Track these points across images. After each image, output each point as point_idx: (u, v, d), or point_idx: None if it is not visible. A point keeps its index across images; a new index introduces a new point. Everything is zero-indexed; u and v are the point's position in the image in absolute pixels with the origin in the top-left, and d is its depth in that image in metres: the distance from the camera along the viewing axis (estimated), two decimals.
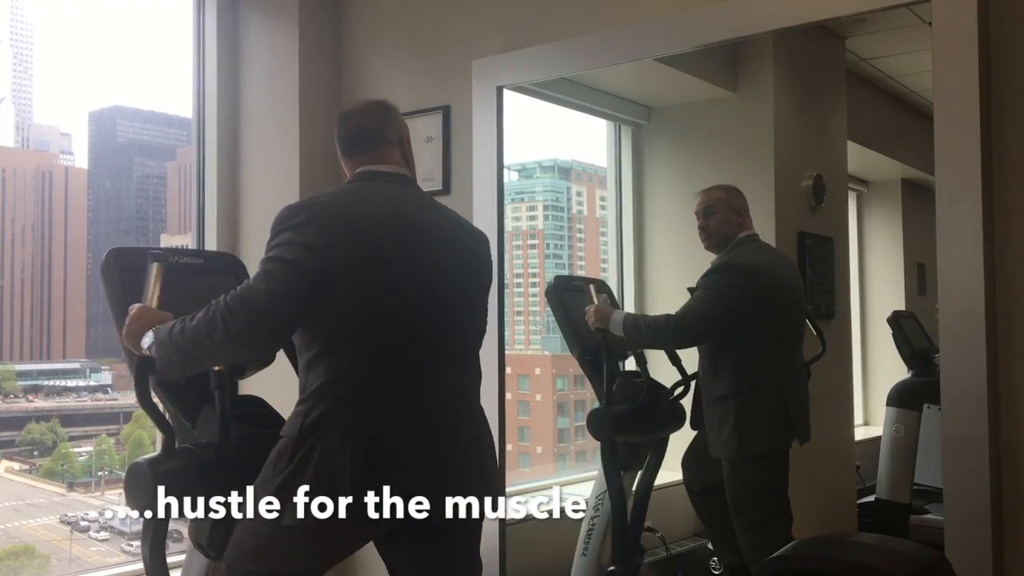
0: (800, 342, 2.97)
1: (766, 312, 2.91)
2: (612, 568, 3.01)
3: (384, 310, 1.93)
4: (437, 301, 2.00)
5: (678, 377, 3.08)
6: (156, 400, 2.12)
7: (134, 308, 2.03)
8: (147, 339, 1.97)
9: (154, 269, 2.08)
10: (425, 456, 1.93)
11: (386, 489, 1.87)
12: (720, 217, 3.00)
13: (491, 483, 2.08)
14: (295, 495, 1.86)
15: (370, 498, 1.85)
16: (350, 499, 1.84)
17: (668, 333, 2.95)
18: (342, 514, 1.84)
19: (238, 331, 1.85)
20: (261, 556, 1.93)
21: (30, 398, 7.80)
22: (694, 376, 3.06)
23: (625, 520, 2.99)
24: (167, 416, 2.19)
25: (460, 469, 1.99)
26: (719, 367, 2.95)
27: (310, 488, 1.85)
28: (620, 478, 2.99)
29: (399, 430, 1.91)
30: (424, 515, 1.94)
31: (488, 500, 2.04)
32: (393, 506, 1.89)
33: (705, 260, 3.02)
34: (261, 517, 1.89)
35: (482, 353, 2.97)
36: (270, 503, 1.88)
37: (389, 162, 2.12)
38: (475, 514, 2.02)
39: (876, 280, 3.27)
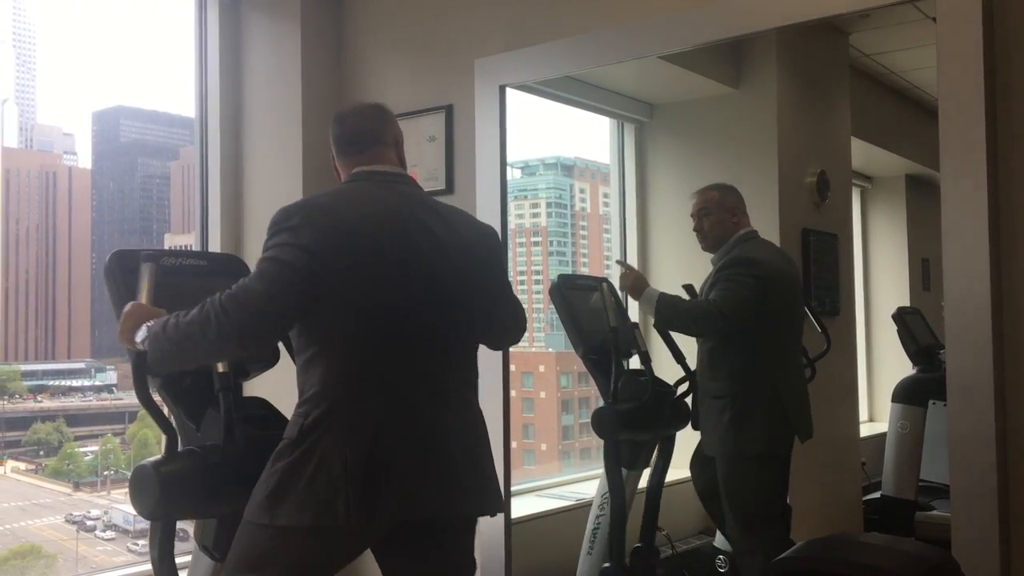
0: (800, 340, 2.96)
1: (773, 309, 2.91)
2: (607, 565, 3.00)
3: (380, 310, 1.94)
4: (434, 300, 2.00)
5: (680, 375, 3.07)
6: (157, 399, 2.13)
7: (129, 305, 2.05)
8: (141, 333, 1.98)
9: (146, 269, 2.10)
10: (422, 459, 1.93)
11: (384, 492, 1.88)
12: (715, 218, 3.01)
13: (487, 485, 2.07)
14: (292, 496, 1.86)
15: (368, 500, 1.85)
16: (348, 501, 1.83)
17: (711, 317, 2.92)
18: (341, 516, 1.83)
19: (231, 330, 1.85)
20: (261, 562, 1.92)
21: (38, 398, 7.82)
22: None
23: (624, 518, 2.98)
24: (171, 417, 2.20)
25: (457, 472, 1.98)
26: (718, 365, 2.96)
27: (308, 489, 1.85)
28: (621, 477, 2.99)
29: (397, 432, 1.91)
30: (421, 518, 1.95)
31: (485, 502, 2.05)
32: (391, 509, 1.89)
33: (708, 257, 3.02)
34: (260, 519, 1.90)
35: (484, 350, 2.99)
36: (268, 503, 1.88)
37: (386, 163, 2.13)
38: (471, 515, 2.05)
39: (880, 276, 3.26)
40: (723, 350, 2.96)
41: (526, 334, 3.29)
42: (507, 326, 2.26)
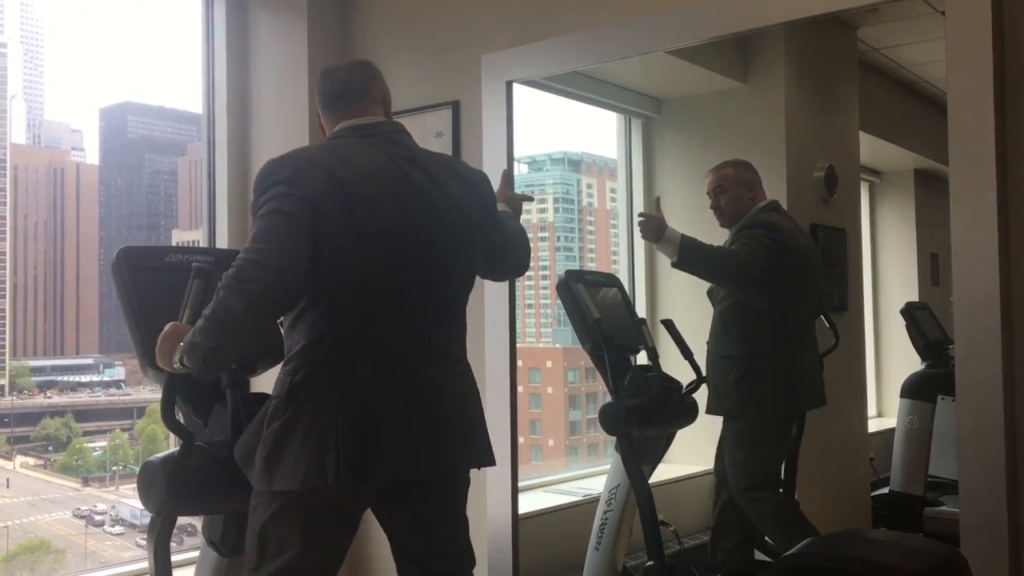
0: (814, 314, 2.96)
1: (788, 274, 2.91)
2: (650, 563, 2.98)
3: (367, 265, 1.92)
4: (421, 257, 1.98)
5: (689, 373, 3.07)
6: (157, 391, 2.13)
7: (167, 327, 1.97)
8: (177, 353, 1.91)
9: (194, 287, 2.01)
10: (411, 418, 1.93)
11: (374, 453, 1.87)
12: (731, 195, 3.01)
13: (476, 439, 2.07)
14: (287, 458, 1.85)
15: (358, 461, 1.85)
16: (338, 463, 1.83)
17: (731, 263, 2.93)
18: (330, 478, 1.83)
19: (256, 297, 1.80)
20: (269, 528, 1.91)
21: (47, 394, 7.85)
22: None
23: (655, 513, 2.97)
24: (180, 416, 2.20)
25: (446, 429, 1.98)
26: (730, 325, 2.96)
27: (301, 452, 1.85)
28: (642, 471, 2.98)
29: (385, 392, 1.91)
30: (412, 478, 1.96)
31: (475, 456, 2.06)
32: (381, 470, 1.89)
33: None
34: (260, 485, 1.89)
35: (492, 346, 2.98)
36: (265, 467, 1.87)
37: (372, 116, 2.09)
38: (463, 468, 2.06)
39: (889, 271, 3.25)
40: (737, 311, 2.97)
41: (533, 329, 3.27)
42: (509, 263, 2.29)
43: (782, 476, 2.95)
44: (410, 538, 2.06)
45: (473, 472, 2.12)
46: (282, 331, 2.02)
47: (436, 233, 2.00)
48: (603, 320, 2.99)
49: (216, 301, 1.83)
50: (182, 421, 2.17)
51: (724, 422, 2.96)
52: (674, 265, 2.98)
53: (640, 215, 3.09)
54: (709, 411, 3.01)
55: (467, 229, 2.07)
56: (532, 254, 3.58)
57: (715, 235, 3.04)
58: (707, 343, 3.03)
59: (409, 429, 1.93)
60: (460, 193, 2.07)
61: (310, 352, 1.90)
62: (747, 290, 2.96)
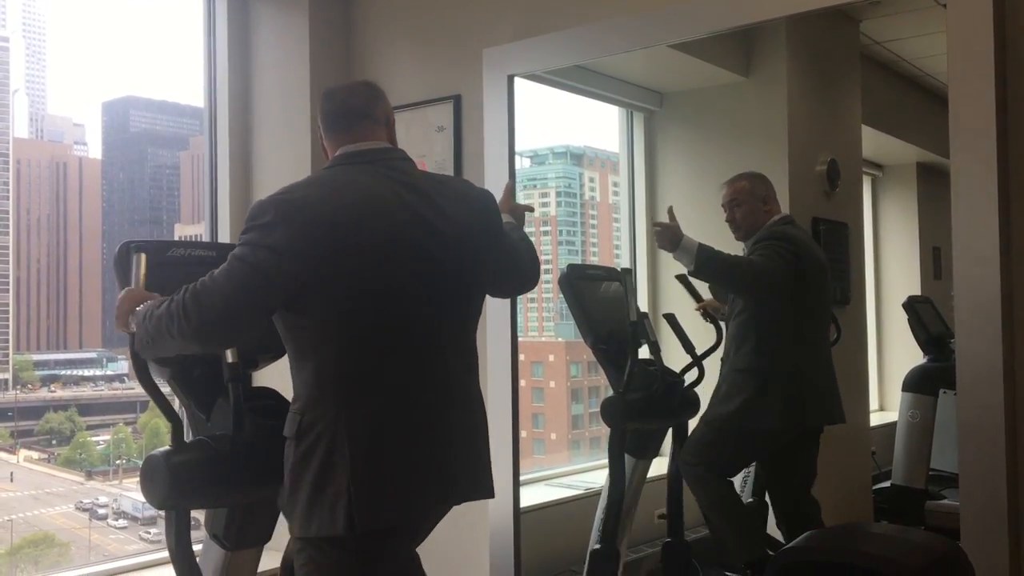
0: (827, 329, 2.96)
1: (807, 290, 2.91)
2: (597, 547, 2.98)
3: (368, 305, 1.89)
4: (425, 289, 1.94)
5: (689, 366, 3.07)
6: (167, 391, 2.14)
7: (123, 292, 2.05)
8: (134, 317, 1.99)
9: (138, 259, 2.09)
10: (424, 462, 1.91)
11: (386, 499, 1.86)
12: (746, 208, 2.99)
13: (480, 472, 2.06)
14: (299, 504, 1.87)
15: (370, 510, 1.84)
16: (348, 510, 1.82)
17: (751, 272, 2.92)
18: (341, 528, 1.82)
19: (190, 331, 1.84)
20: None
21: (50, 388, 7.85)
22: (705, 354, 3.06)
23: (621, 506, 2.98)
24: (181, 407, 2.21)
25: (456, 467, 1.97)
26: (747, 339, 2.95)
27: (314, 497, 1.85)
28: (623, 464, 2.99)
29: (397, 435, 1.89)
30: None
31: (477, 488, 2.05)
32: (392, 516, 1.88)
33: (721, 244, 3.01)
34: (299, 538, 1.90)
35: (494, 341, 2.98)
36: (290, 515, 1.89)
37: (375, 140, 2.05)
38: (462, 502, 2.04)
39: (891, 265, 3.24)
40: (754, 324, 2.95)
41: (536, 323, 3.27)
42: (514, 281, 2.26)
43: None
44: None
45: None
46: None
47: (440, 260, 1.96)
48: (607, 314, 3.01)
49: (168, 311, 1.87)
50: (182, 413, 2.17)
51: (715, 420, 2.96)
52: (691, 274, 2.96)
53: (655, 224, 3.07)
54: (705, 416, 3.01)
55: (472, 253, 2.04)
56: (535, 248, 3.59)
57: (718, 229, 3.04)
58: (721, 359, 3.02)
59: (419, 469, 1.91)
60: (463, 216, 2.03)
61: (317, 392, 1.88)
62: (764, 301, 2.95)
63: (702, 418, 3.02)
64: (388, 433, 1.87)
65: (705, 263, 2.90)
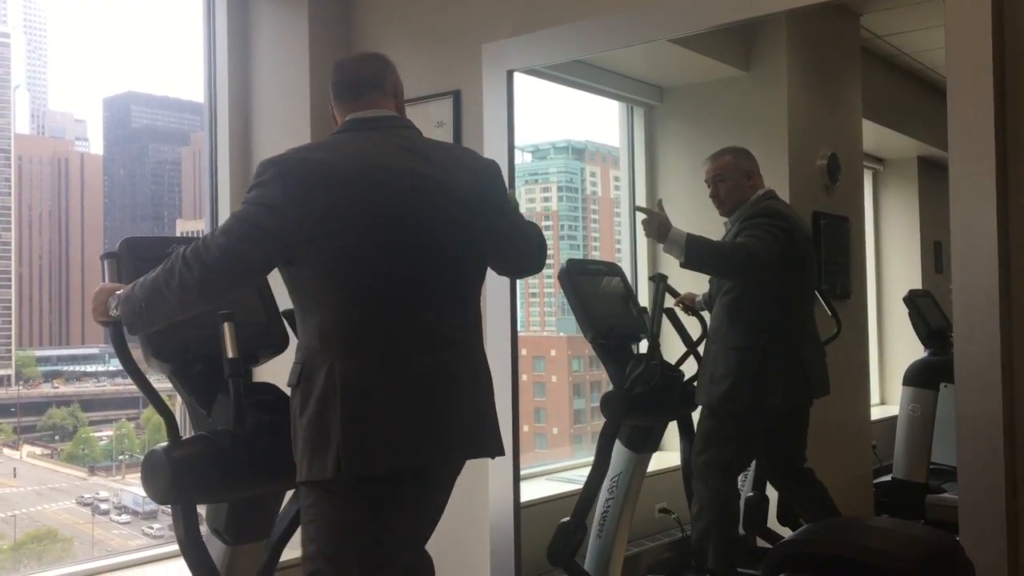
0: (813, 297, 2.97)
1: (796, 265, 2.91)
2: (565, 519, 2.96)
3: (371, 257, 1.93)
4: (428, 246, 1.98)
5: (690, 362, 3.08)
6: (162, 387, 2.15)
7: (97, 288, 2.09)
8: (111, 303, 2.02)
9: (109, 265, 2.15)
10: (418, 409, 1.94)
11: (380, 445, 1.88)
12: (730, 183, 3.00)
13: (486, 428, 2.07)
14: (299, 449, 1.91)
15: (361, 454, 1.86)
16: (337, 454, 1.85)
17: (740, 257, 2.91)
18: (330, 470, 1.85)
19: (192, 282, 1.88)
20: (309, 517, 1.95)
21: (53, 384, 7.87)
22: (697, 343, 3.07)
23: (595, 494, 2.99)
24: (184, 404, 2.21)
25: (456, 418, 1.99)
26: (740, 317, 2.95)
27: (307, 442, 1.90)
28: (609, 457, 3.00)
29: (392, 385, 1.92)
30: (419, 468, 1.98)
31: (484, 445, 2.06)
32: (387, 461, 1.90)
33: (720, 236, 3.01)
34: (316, 488, 1.92)
35: (494, 336, 2.98)
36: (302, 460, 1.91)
37: (382, 109, 2.09)
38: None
39: (892, 259, 3.25)
40: (747, 301, 2.95)
41: (537, 318, 3.27)
42: (522, 255, 2.23)
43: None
44: (400, 530, 2.04)
45: (477, 460, 2.12)
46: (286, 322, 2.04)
47: (441, 222, 2.00)
48: (607, 310, 3.01)
49: (166, 269, 1.92)
50: (184, 411, 2.18)
51: (718, 403, 2.95)
52: (682, 265, 2.94)
53: (639, 209, 3.07)
54: (700, 400, 3.00)
55: (474, 218, 2.06)
56: None
57: (718, 223, 3.04)
58: (707, 339, 3.03)
59: (414, 419, 1.93)
60: (467, 181, 2.07)
61: (316, 344, 1.92)
62: (756, 279, 2.94)
63: (702, 404, 3.02)
64: (380, 384, 1.91)
65: (695, 253, 2.87)
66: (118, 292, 2.02)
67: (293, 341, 2.16)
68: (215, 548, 2.23)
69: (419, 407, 1.94)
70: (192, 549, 2.11)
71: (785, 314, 2.94)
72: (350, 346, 1.91)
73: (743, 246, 2.88)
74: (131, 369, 2.09)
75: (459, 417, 2.00)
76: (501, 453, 2.10)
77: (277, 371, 2.36)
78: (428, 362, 1.96)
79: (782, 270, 2.88)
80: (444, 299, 2.02)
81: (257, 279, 1.98)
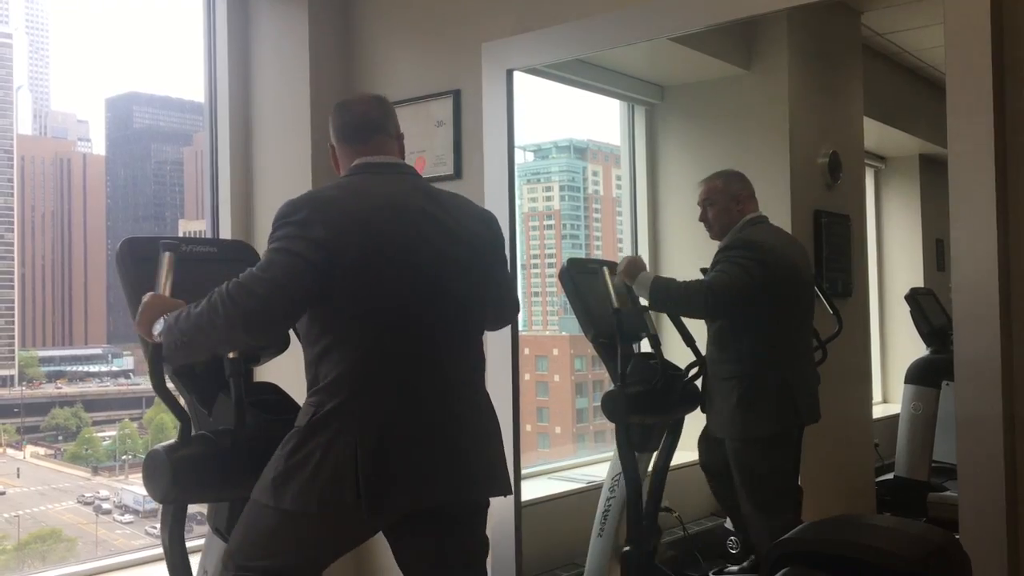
0: (809, 324, 2.96)
1: (779, 292, 2.90)
2: (627, 548, 3.02)
3: (392, 302, 1.95)
4: (442, 290, 2.01)
5: (691, 359, 3.07)
6: (171, 387, 2.14)
7: (147, 296, 2.06)
8: (158, 326, 2.00)
9: (166, 259, 2.10)
10: (431, 450, 1.95)
11: (393, 483, 1.89)
12: (719, 207, 2.99)
13: (495, 469, 2.09)
14: (297, 482, 1.88)
15: (377, 491, 1.87)
16: (358, 492, 1.85)
17: (700, 298, 2.90)
18: (349, 504, 1.85)
19: (237, 318, 1.86)
20: (264, 539, 1.95)
21: (57, 384, 7.90)
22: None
23: (640, 501, 2.99)
24: (183, 403, 2.21)
25: (465, 460, 2.01)
26: (726, 347, 2.95)
27: (314, 478, 1.87)
28: (635, 459, 2.99)
29: (406, 425, 1.93)
30: (430, 507, 1.98)
31: (492, 486, 2.08)
32: (399, 500, 1.91)
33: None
34: (266, 500, 1.92)
35: (495, 334, 2.99)
36: (274, 486, 1.91)
37: (388, 154, 2.13)
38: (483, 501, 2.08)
39: (894, 257, 3.24)
40: (731, 332, 2.95)
41: (540, 317, 3.27)
42: (507, 308, 2.30)
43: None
44: (419, 570, 2.07)
45: None
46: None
47: (454, 267, 2.04)
48: (607, 309, 3.00)
49: (209, 304, 1.89)
50: (185, 410, 2.18)
51: (730, 443, 2.95)
52: (649, 308, 3.00)
53: (625, 259, 3.06)
54: (712, 432, 3.00)
55: (482, 264, 2.12)
56: (539, 242, 3.60)
57: None
58: (706, 361, 3.02)
59: (428, 457, 1.95)
60: (477, 230, 2.12)
61: (337, 387, 1.92)
62: (725, 316, 2.94)
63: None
64: (397, 420, 1.92)
65: (658, 295, 2.93)
66: (165, 317, 1.98)
67: (294, 342, 2.17)
68: (216, 547, 2.24)
69: (432, 446, 1.95)
70: (172, 550, 2.12)
71: (770, 342, 2.93)
72: (368, 384, 1.92)
73: (706, 286, 2.89)
74: (160, 389, 2.08)
75: (468, 457, 2.02)
76: (509, 492, 2.12)
77: (278, 371, 2.37)
78: (439, 402, 1.98)
79: (762, 298, 2.88)
80: (456, 340, 2.05)
81: (299, 313, 1.94)
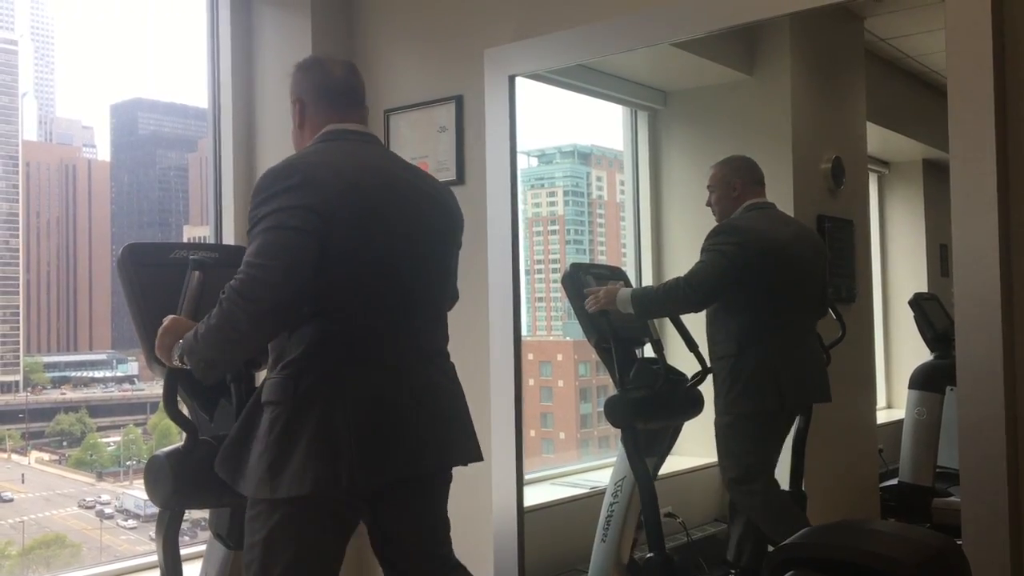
0: (805, 307, 2.97)
1: (762, 274, 2.92)
2: (650, 555, 2.99)
3: (378, 267, 1.92)
4: (422, 257, 2.02)
5: (694, 365, 3.07)
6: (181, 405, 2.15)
7: (167, 320, 2.00)
8: (177, 350, 1.94)
9: (194, 279, 2.06)
10: (417, 417, 1.94)
11: (386, 452, 1.89)
12: (718, 194, 3.05)
13: (468, 436, 2.11)
14: (292, 465, 1.83)
15: (371, 462, 1.86)
16: (351, 465, 1.83)
17: (679, 293, 2.95)
18: (344, 480, 1.83)
19: (263, 315, 1.80)
20: (272, 536, 1.89)
21: (61, 390, 7.91)
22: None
23: (657, 505, 2.97)
24: (188, 409, 2.22)
25: (446, 427, 2.02)
26: (719, 328, 2.98)
27: (308, 456, 1.83)
28: (646, 465, 2.98)
29: (393, 394, 1.92)
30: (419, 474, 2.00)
31: (468, 451, 2.10)
32: (393, 468, 1.91)
33: None
34: (262, 494, 1.87)
35: (496, 338, 2.99)
36: (269, 476, 1.85)
37: (362, 123, 2.12)
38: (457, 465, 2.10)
39: (898, 262, 3.24)
40: (722, 312, 2.98)
41: (544, 322, 3.28)
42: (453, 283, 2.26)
43: (775, 469, 2.96)
44: (399, 537, 2.06)
45: (478, 465, 2.15)
46: None
47: (436, 239, 2.06)
48: (610, 314, 3.01)
49: (221, 314, 1.82)
50: (187, 415, 2.18)
51: (716, 416, 2.98)
52: (638, 319, 3.04)
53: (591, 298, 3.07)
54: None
55: (452, 238, 2.15)
56: (543, 247, 3.60)
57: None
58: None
59: (415, 425, 1.94)
60: (452, 206, 2.16)
61: (315, 356, 1.88)
62: (712, 302, 2.98)
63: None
64: (385, 391, 1.91)
65: (642, 305, 3.01)
66: (180, 342, 1.92)
67: None
68: (217, 552, 2.24)
69: (418, 416, 1.95)
70: (168, 553, 2.13)
71: (753, 323, 2.95)
72: (352, 354, 1.90)
73: (683, 281, 2.94)
74: (172, 412, 2.08)
75: (448, 425, 2.04)
76: (481, 458, 2.13)
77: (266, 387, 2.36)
78: (420, 372, 1.98)
79: (746, 279, 2.91)
80: (431, 310, 2.07)
81: (306, 286, 1.83)
